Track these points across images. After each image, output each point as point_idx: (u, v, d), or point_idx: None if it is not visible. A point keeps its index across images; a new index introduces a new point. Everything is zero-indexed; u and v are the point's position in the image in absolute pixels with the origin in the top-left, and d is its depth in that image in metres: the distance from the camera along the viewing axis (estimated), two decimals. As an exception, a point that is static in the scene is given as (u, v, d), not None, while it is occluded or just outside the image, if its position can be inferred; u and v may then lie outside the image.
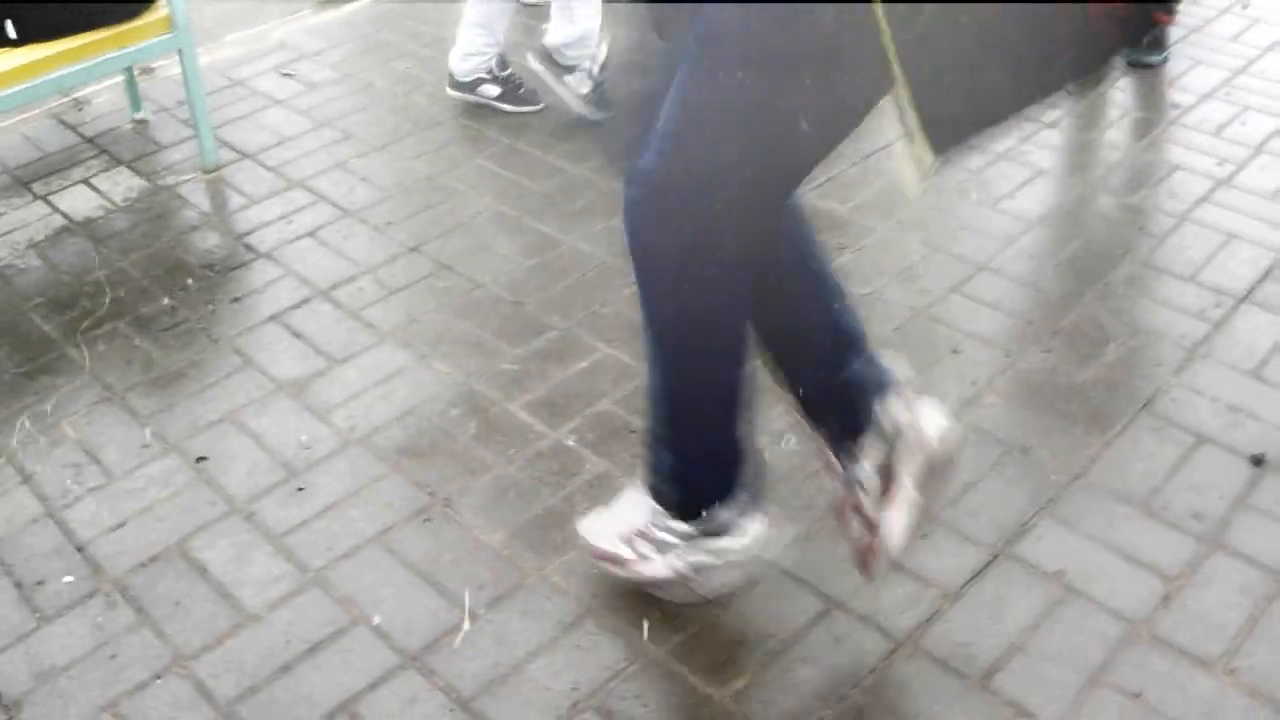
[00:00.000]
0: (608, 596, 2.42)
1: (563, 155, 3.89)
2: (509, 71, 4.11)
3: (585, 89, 3.99)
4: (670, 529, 2.33)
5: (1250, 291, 3.17)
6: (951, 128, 1.77)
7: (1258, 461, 2.67)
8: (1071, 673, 2.24)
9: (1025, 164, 3.75)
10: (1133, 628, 2.32)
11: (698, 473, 2.30)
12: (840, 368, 2.24)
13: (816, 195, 3.51)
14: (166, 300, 3.28)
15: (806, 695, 2.23)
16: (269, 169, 3.85)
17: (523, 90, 4.12)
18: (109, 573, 2.51)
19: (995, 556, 2.47)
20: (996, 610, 2.36)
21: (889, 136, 3.76)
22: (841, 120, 1.97)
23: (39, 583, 2.50)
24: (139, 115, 4.14)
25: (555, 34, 3.97)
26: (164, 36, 3.62)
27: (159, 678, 2.30)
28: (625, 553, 2.38)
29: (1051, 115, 3.99)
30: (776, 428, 2.71)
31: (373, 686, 2.27)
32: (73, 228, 3.61)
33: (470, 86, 4.11)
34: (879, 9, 1.64)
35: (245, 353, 3.08)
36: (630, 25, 3.46)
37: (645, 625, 2.36)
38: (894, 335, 3.04)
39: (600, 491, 2.64)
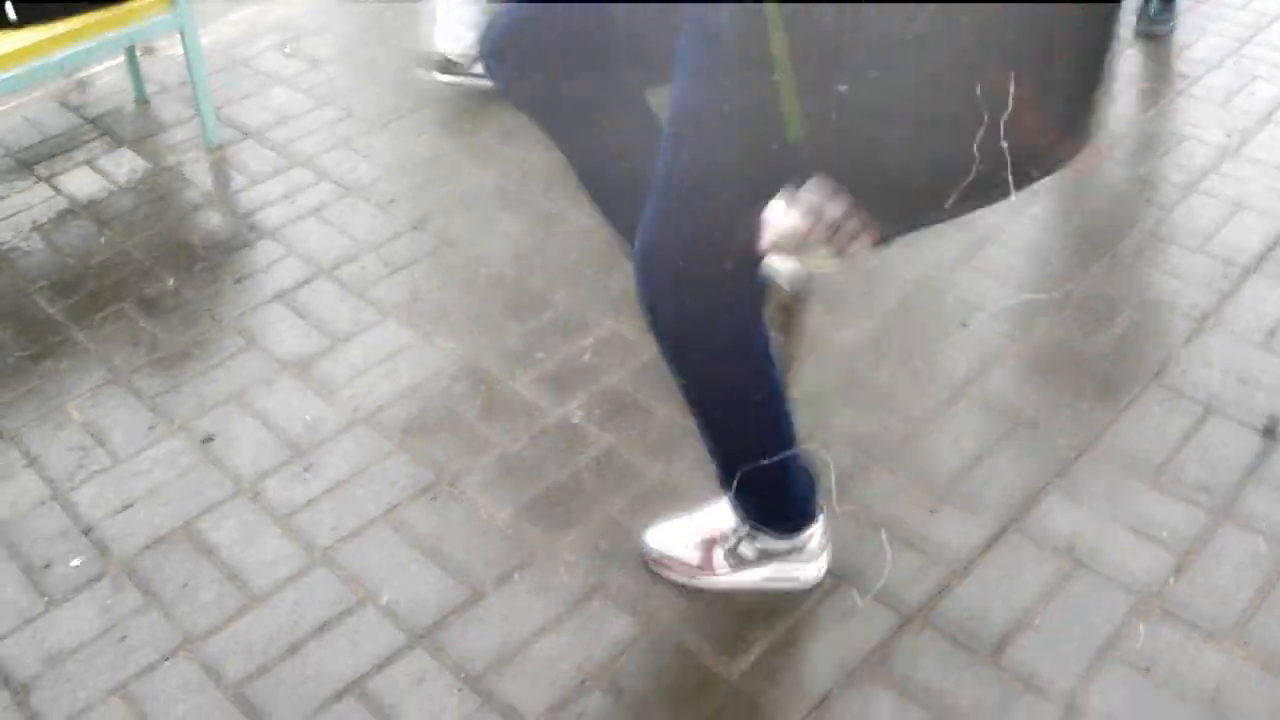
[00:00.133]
0: (616, 573, 2.41)
1: (566, 131, 3.87)
2: None
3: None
4: (753, 543, 2.33)
5: (1259, 261, 3.16)
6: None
7: (1268, 432, 2.65)
8: (1081, 646, 2.23)
9: (1032, 135, 3.72)
10: (1143, 600, 2.31)
11: (782, 494, 2.28)
12: None
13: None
14: (170, 281, 3.27)
15: (815, 670, 2.22)
16: (271, 148, 3.84)
17: None
18: (116, 555, 2.51)
19: (1004, 530, 2.46)
20: (1005, 583, 2.35)
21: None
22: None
23: (46, 566, 2.49)
24: (141, 96, 4.12)
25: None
26: (164, 16, 3.60)
27: (167, 659, 2.30)
28: (691, 559, 2.37)
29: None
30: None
31: (381, 666, 2.26)
32: (76, 209, 3.60)
33: (464, 68, 4.04)
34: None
35: (249, 332, 3.07)
36: None
37: (654, 602, 2.35)
38: (900, 308, 3.03)
39: (607, 468, 2.63)
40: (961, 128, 1.57)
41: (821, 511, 2.33)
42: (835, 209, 1.71)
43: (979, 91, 1.54)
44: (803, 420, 2.61)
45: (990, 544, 2.43)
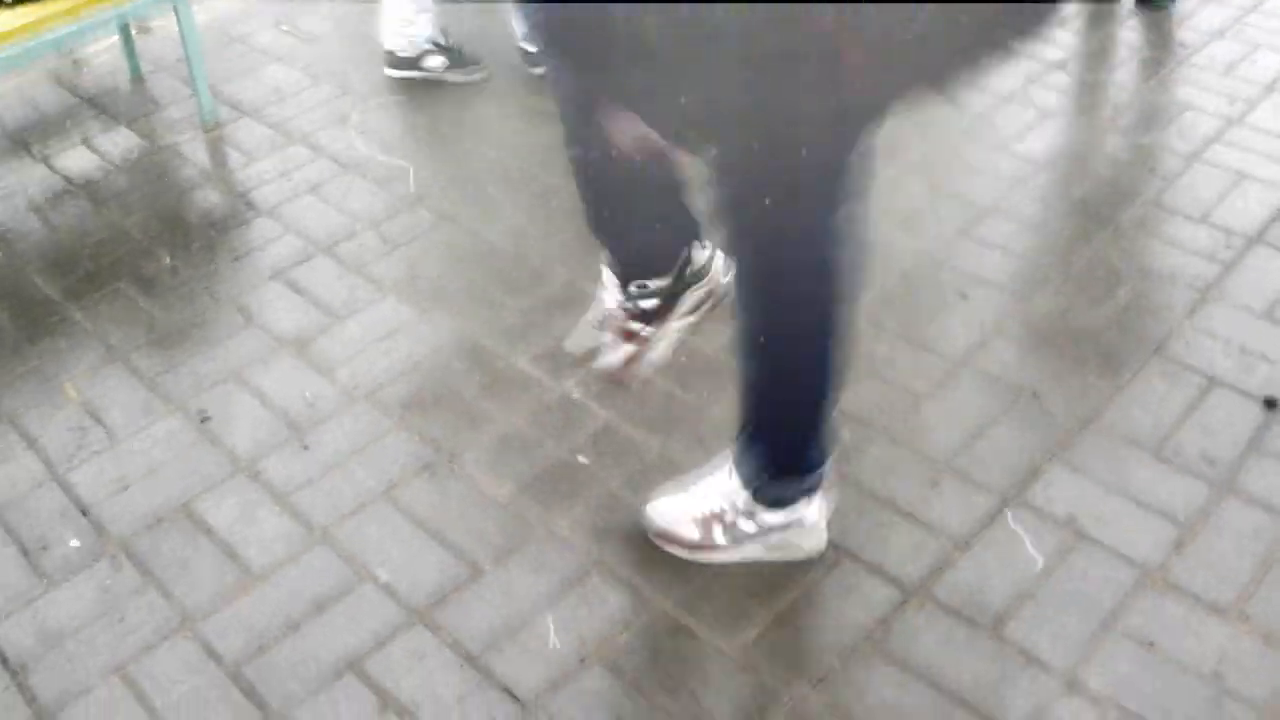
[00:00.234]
0: (615, 549, 2.40)
1: (565, 106, 3.84)
2: (451, 40, 4.03)
3: (440, 62, 3.98)
4: (752, 517, 2.33)
5: (1262, 232, 3.14)
6: None
7: (1270, 404, 2.64)
8: (1083, 620, 2.22)
9: (1033, 106, 3.70)
10: (1144, 574, 2.30)
11: (792, 462, 2.28)
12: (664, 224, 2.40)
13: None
14: (168, 259, 3.26)
15: (817, 646, 2.21)
16: (268, 125, 3.82)
17: (467, 57, 4.03)
18: (114, 535, 2.50)
19: (1006, 503, 2.45)
20: (1007, 557, 2.34)
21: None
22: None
23: (44, 547, 2.49)
24: (137, 74, 4.10)
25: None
26: (159, -8, 3.58)
27: (166, 639, 2.29)
28: (692, 536, 2.37)
29: (1059, 56, 3.94)
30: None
31: (380, 643, 2.26)
32: (72, 189, 3.58)
33: (414, 62, 4.00)
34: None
35: (248, 310, 3.06)
36: None
37: (653, 578, 2.34)
38: (901, 280, 3.01)
39: (606, 444, 2.62)
40: None
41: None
42: None
43: None
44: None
45: (991, 518, 2.42)
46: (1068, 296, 2.95)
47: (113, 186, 3.57)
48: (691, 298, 2.49)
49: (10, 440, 2.74)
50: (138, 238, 3.34)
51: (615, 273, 2.48)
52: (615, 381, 2.62)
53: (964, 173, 3.42)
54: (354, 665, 2.22)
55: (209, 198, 3.51)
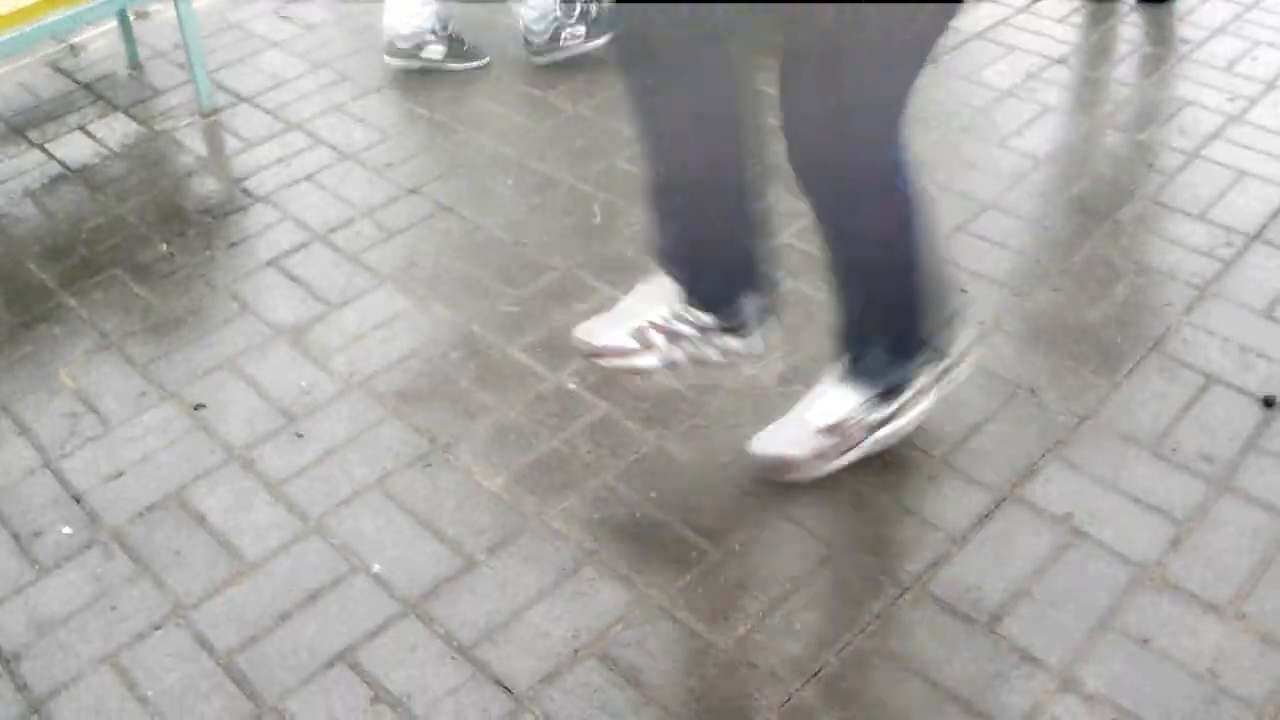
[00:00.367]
0: (609, 542, 2.39)
1: (563, 94, 3.84)
2: (451, 29, 4.01)
3: (441, 51, 3.96)
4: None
5: (1262, 230, 3.13)
6: None
7: (1269, 403, 2.63)
8: (1079, 617, 2.21)
9: (1033, 101, 3.69)
10: (1141, 571, 2.29)
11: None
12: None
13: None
14: (164, 246, 3.25)
15: (810, 641, 2.20)
16: (266, 112, 3.81)
17: (467, 46, 4.02)
18: (107, 523, 2.49)
19: (1002, 499, 2.44)
20: (1003, 554, 2.34)
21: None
22: None
23: (37, 534, 2.48)
24: (134, 60, 4.08)
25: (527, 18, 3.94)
26: (157, -22, 3.57)
27: (158, 628, 2.28)
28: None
29: (1060, 51, 3.93)
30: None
31: (373, 634, 2.25)
32: (69, 175, 3.57)
33: (413, 51, 3.97)
34: None
35: (243, 298, 3.05)
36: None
37: (647, 571, 2.33)
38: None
39: (602, 434, 2.62)
40: None
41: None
42: None
43: None
44: (800, 388, 2.60)
45: (988, 513, 2.42)
46: (1066, 293, 2.94)
47: (109, 173, 3.56)
48: (721, 344, 2.48)
49: (3, 427, 2.72)
50: (134, 224, 3.33)
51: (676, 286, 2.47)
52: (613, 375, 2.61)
53: (963, 168, 3.40)
54: (346, 656, 2.21)
55: (205, 184, 3.50)
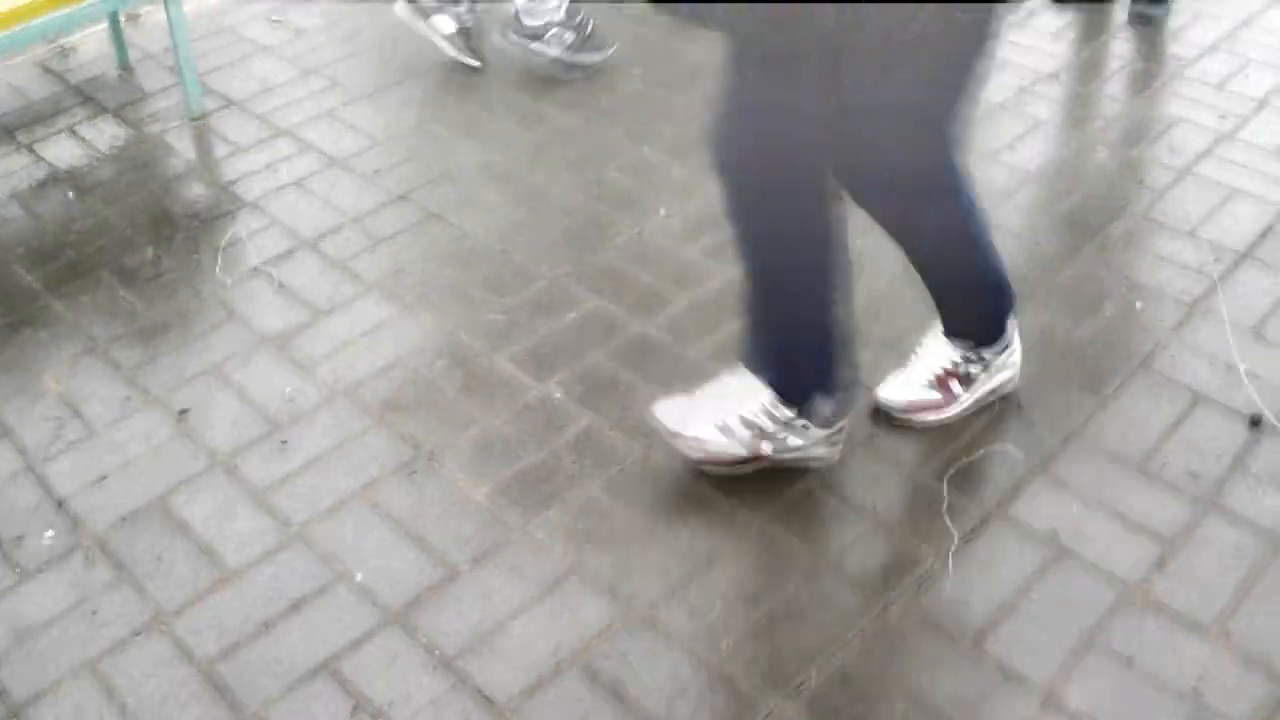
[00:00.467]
0: (593, 553, 2.38)
1: (553, 104, 3.83)
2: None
3: (570, 38, 3.93)
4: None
5: (1251, 248, 3.13)
6: None
7: (1256, 422, 2.63)
8: (1063, 636, 2.21)
9: (1023, 116, 3.69)
10: (1126, 590, 2.29)
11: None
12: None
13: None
14: (151, 250, 3.23)
15: (794, 656, 2.20)
16: (256, 117, 3.80)
17: (473, 39, 4.02)
18: (89, 528, 2.48)
19: (988, 516, 2.44)
20: (988, 572, 2.33)
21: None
22: None
23: (18, 539, 2.46)
24: (125, 63, 4.07)
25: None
26: (148, -19, 3.56)
27: (139, 635, 2.27)
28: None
29: (1052, 67, 3.94)
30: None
31: (355, 644, 2.24)
32: (57, 177, 3.55)
33: (425, 12, 3.98)
34: None
35: (229, 304, 3.04)
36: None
37: (631, 584, 2.33)
38: (888, 290, 2.99)
39: (587, 445, 2.61)
40: None
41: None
42: None
43: None
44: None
45: (974, 530, 2.41)
46: (1054, 309, 2.94)
47: (97, 175, 3.55)
48: (804, 436, 2.51)
49: (-14, 430, 2.72)
50: (121, 228, 3.32)
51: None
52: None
53: (953, 182, 3.40)
54: (328, 665, 2.20)
55: (194, 189, 3.49)
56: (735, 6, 1.89)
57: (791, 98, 2.11)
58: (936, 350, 2.64)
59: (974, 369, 2.61)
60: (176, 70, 3.79)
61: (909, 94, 2.11)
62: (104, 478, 2.59)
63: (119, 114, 3.84)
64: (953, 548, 2.38)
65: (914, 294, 2.64)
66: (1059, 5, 4.28)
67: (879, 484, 2.52)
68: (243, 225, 3.32)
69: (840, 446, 2.53)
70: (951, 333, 2.62)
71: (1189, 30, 4.13)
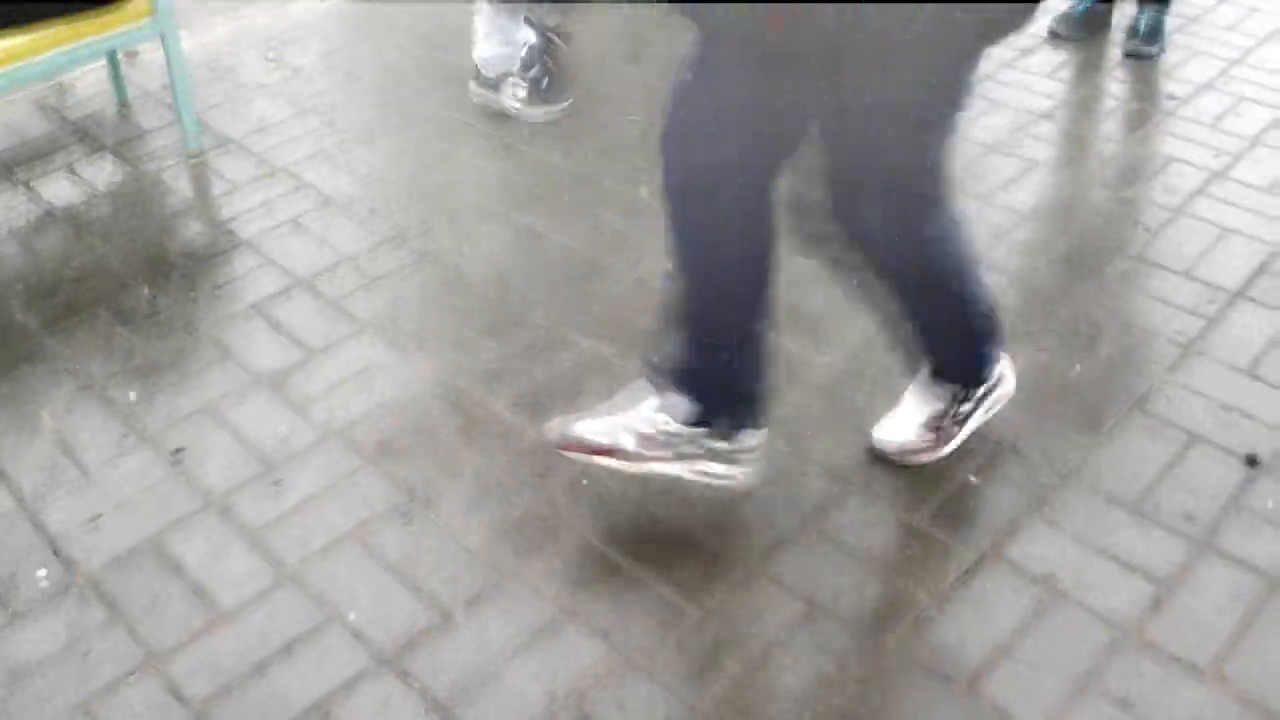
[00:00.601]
0: (587, 599, 2.38)
1: (549, 148, 3.84)
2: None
3: (521, 93, 3.95)
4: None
5: (1245, 287, 3.13)
6: None
7: (1252, 462, 2.63)
8: (1059, 678, 2.20)
9: (1018, 156, 3.70)
10: (1122, 632, 2.28)
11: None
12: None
13: (808, 186, 3.45)
14: (147, 289, 3.24)
15: (789, 700, 2.19)
16: (253, 155, 3.81)
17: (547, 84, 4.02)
18: (83, 568, 2.47)
19: (983, 558, 2.43)
20: (983, 613, 2.32)
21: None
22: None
23: (12, 578, 2.45)
24: (122, 101, 4.08)
25: (480, 51, 3.95)
26: (145, 21, 3.56)
27: (131, 676, 2.26)
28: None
29: (1046, 106, 3.95)
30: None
31: (347, 688, 2.23)
32: (54, 215, 3.56)
33: (492, 82, 4.01)
34: None
35: (225, 343, 3.04)
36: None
37: (626, 630, 2.32)
38: (884, 330, 2.99)
39: (582, 491, 2.60)
40: None
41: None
42: None
43: None
44: (779, 445, 2.60)
45: (969, 572, 2.40)
46: (1050, 350, 2.94)
47: (94, 213, 3.55)
48: (708, 469, 2.50)
49: (-20, 470, 2.71)
50: (118, 267, 3.32)
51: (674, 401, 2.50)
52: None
53: (949, 221, 3.41)
54: (320, 708, 2.19)
55: (190, 228, 3.50)
56: (735, 6, 1.88)
57: (771, 99, 2.10)
58: (927, 392, 2.62)
59: (965, 407, 2.61)
60: (174, 108, 3.80)
61: (908, 94, 2.09)
62: (98, 517, 2.58)
63: (117, 152, 3.85)
64: (948, 589, 2.37)
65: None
66: (1056, 40, 4.30)
67: (874, 525, 2.51)
68: (239, 264, 3.32)
69: (745, 468, 2.49)
70: (940, 376, 2.60)
71: (1182, 68, 4.15)
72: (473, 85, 3.99)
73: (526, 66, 3.91)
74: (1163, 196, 3.50)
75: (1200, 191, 3.52)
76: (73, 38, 3.44)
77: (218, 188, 3.67)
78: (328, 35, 4.53)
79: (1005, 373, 2.65)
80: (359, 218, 3.51)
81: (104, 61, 4.06)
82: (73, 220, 3.53)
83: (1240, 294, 3.11)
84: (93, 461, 2.72)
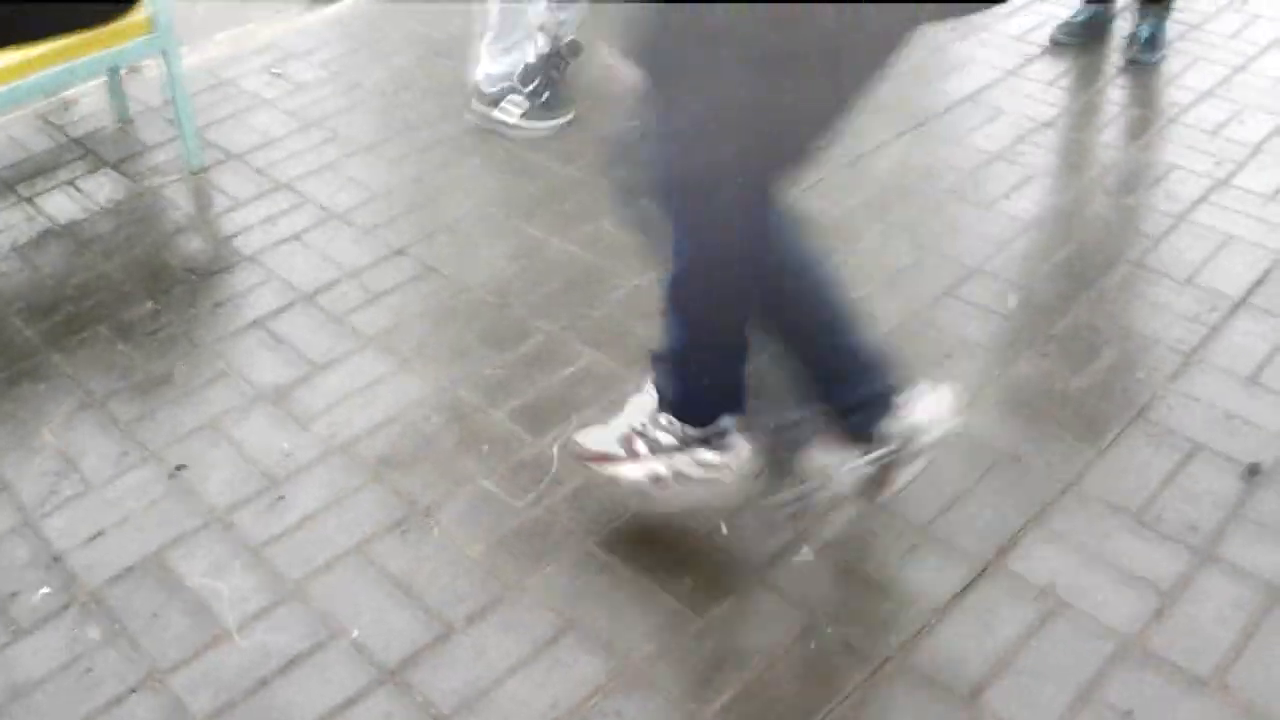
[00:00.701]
0: (589, 610, 2.38)
1: (551, 156, 3.84)
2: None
3: (522, 107, 3.96)
4: (669, 429, 2.39)
5: (1247, 295, 3.13)
6: None
7: (1254, 471, 2.63)
8: (1061, 690, 2.20)
9: (1020, 164, 3.70)
10: (1124, 643, 2.28)
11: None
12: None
13: (807, 197, 3.46)
14: (149, 304, 3.24)
15: (790, 712, 2.19)
16: (255, 170, 3.81)
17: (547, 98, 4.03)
18: (85, 584, 2.47)
19: (984, 569, 2.43)
20: (985, 625, 2.32)
21: (880, 138, 3.76)
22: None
23: (14, 594, 2.46)
24: (124, 116, 4.09)
25: (485, 68, 3.97)
26: (146, 37, 3.57)
27: (133, 692, 2.26)
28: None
29: (1048, 114, 3.95)
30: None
31: (350, 702, 2.23)
32: (56, 230, 3.56)
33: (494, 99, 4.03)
34: None
35: (227, 358, 3.04)
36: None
37: (626, 641, 2.32)
38: (884, 340, 2.99)
39: (584, 501, 2.60)
40: None
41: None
42: None
43: None
44: (780, 454, 2.59)
45: (970, 584, 2.40)
46: (1051, 359, 2.94)
47: (96, 229, 3.56)
48: (700, 457, 2.43)
49: (-17, 486, 2.72)
50: (120, 282, 3.33)
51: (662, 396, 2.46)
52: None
53: (950, 232, 3.41)
54: (323, 724, 2.20)
55: (192, 243, 3.50)
56: (735, 7, 1.88)
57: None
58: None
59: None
60: (176, 123, 3.81)
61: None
62: (100, 533, 2.58)
63: (118, 167, 3.85)
64: (949, 600, 2.37)
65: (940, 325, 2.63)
66: (1057, 47, 4.30)
67: (875, 535, 2.51)
68: (241, 279, 3.32)
69: (733, 455, 2.41)
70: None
71: (1184, 76, 4.15)
72: (474, 104, 3.99)
73: (526, 80, 3.91)
74: (1164, 204, 3.50)
75: (1202, 199, 3.52)
76: (74, 54, 3.45)
77: (219, 203, 3.67)
78: (330, 47, 4.53)
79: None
80: (361, 231, 3.51)
81: (105, 77, 4.07)
82: (74, 236, 3.53)
83: (1242, 302, 3.11)
84: (94, 477, 2.72)
